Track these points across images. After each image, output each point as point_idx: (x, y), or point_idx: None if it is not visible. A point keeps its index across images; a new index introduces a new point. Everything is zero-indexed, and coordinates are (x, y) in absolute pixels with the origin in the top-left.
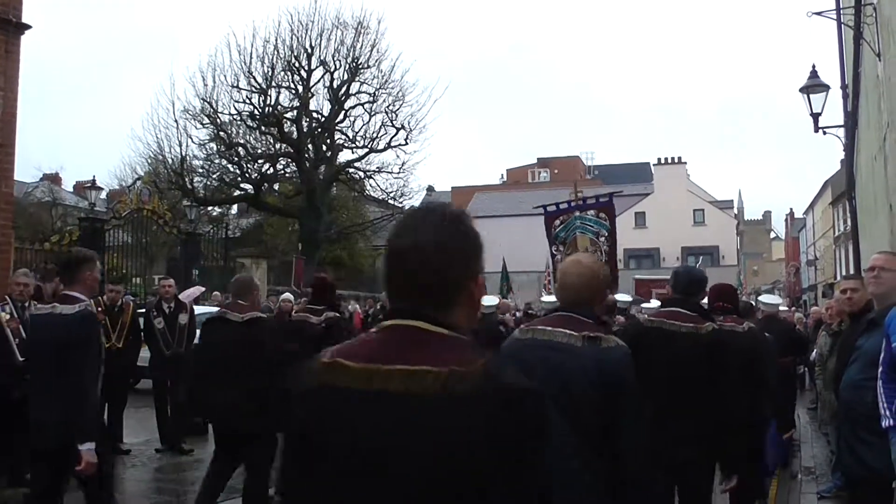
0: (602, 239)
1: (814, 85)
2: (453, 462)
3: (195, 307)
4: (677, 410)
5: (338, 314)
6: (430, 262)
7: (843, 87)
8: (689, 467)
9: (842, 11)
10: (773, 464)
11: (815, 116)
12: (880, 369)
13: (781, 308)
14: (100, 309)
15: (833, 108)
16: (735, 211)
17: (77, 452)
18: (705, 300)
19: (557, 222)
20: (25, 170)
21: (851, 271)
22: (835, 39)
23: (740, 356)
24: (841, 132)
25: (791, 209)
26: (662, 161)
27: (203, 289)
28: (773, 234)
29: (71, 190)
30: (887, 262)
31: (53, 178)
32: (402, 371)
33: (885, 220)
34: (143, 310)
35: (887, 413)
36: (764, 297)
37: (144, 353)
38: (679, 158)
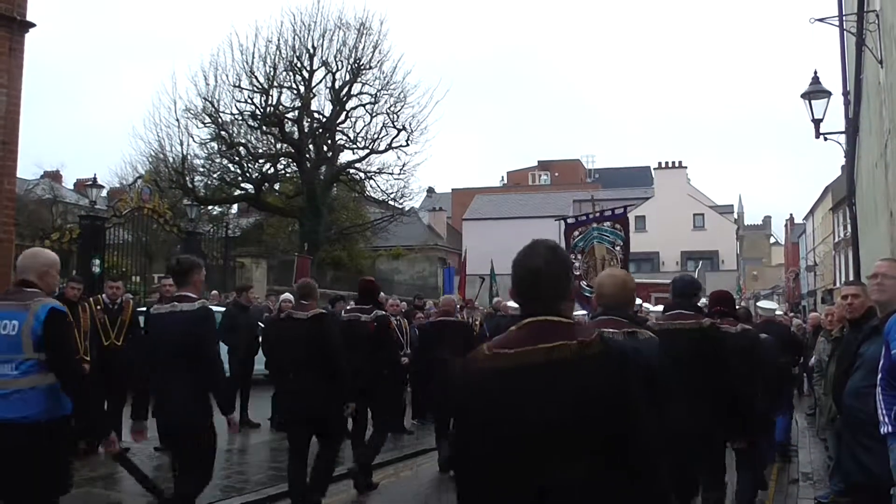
0: (617, 248)
1: (815, 91)
2: (593, 405)
3: None
4: (691, 392)
5: (385, 313)
6: (553, 276)
7: (845, 93)
8: (703, 438)
9: (844, 18)
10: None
11: (817, 122)
12: (879, 376)
13: (777, 312)
14: (99, 307)
15: (834, 115)
16: (735, 216)
17: (209, 427)
18: (702, 302)
19: (576, 233)
20: (26, 167)
21: (851, 277)
22: (837, 46)
23: (736, 350)
24: (842, 138)
25: (791, 215)
26: (663, 165)
27: None
28: (772, 240)
29: (72, 187)
30: (890, 269)
31: (54, 176)
32: (545, 347)
33: (886, 226)
34: (144, 308)
35: (886, 420)
36: (762, 303)
37: None
38: (680, 163)
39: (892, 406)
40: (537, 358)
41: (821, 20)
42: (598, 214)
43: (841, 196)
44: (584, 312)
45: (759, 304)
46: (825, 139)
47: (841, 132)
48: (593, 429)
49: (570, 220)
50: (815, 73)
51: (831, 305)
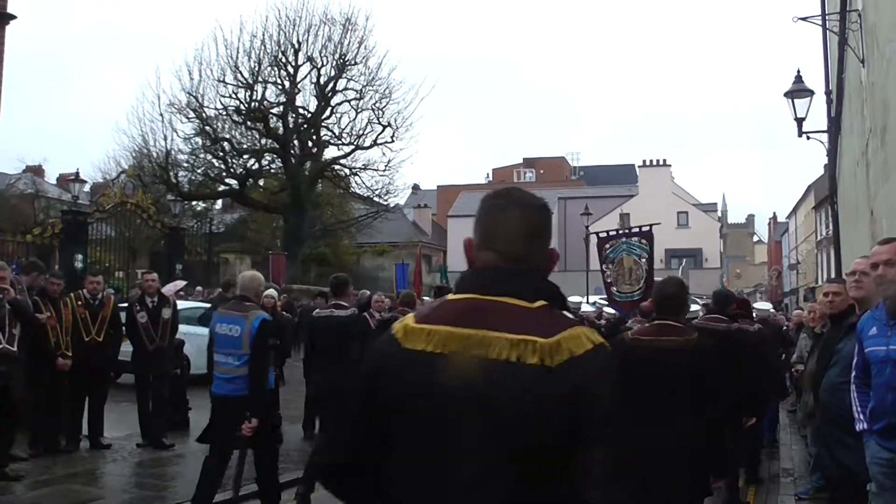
0: (643, 260)
1: (798, 90)
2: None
3: (178, 302)
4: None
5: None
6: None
7: (828, 92)
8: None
9: (827, 17)
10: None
11: (800, 121)
12: (853, 373)
13: (771, 311)
14: (80, 302)
15: (817, 113)
16: (719, 214)
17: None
18: (694, 308)
19: (608, 246)
20: (8, 161)
21: (833, 276)
22: (820, 45)
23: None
24: (824, 137)
25: (774, 213)
26: (647, 163)
27: (185, 283)
28: (756, 238)
29: (54, 182)
30: (867, 267)
31: (36, 171)
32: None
33: (866, 225)
34: (126, 304)
35: (861, 417)
36: (757, 304)
37: (126, 348)
38: (664, 161)
39: (867, 403)
40: None
41: (804, 19)
42: (627, 231)
43: (823, 195)
44: (614, 312)
45: (755, 304)
46: (808, 138)
47: (823, 131)
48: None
49: (601, 235)
50: (798, 71)
51: (814, 303)
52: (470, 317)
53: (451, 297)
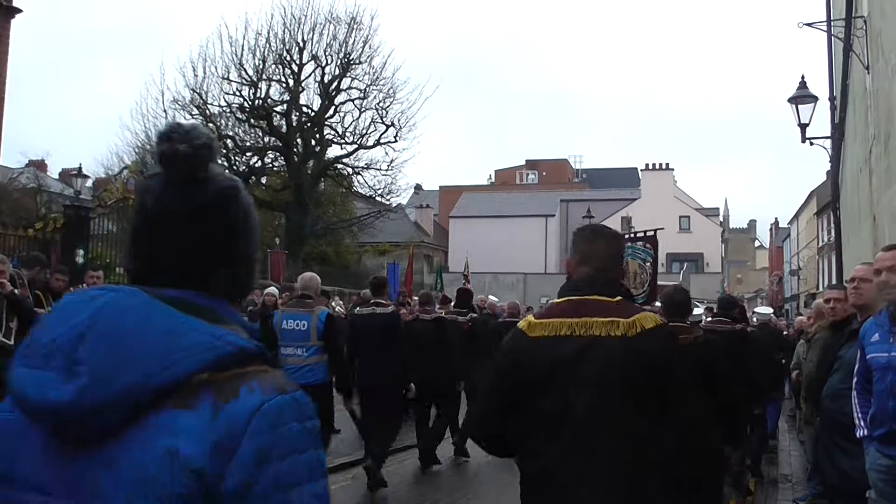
0: (647, 264)
1: (802, 95)
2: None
3: None
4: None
5: (476, 315)
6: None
7: (832, 98)
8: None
9: (832, 23)
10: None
11: (803, 127)
12: (854, 380)
13: (771, 316)
14: None
15: (821, 119)
16: (721, 218)
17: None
18: (698, 311)
19: None
20: (11, 155)
21: (834, 282)
22: (825, 51)
23: (754, 344)
24: (828, 143)
25: (776, 218)
26: (650, 166)
27: None
28: (757, 243)
29: (56, 177)
30: (867, 274)
31: (39, 165)
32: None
33: (869, 232)
34: None
35: (861, 423)
36: (758, 309)
37: None
38: (667, 165)
39: (868, 409)
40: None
41: (809, 25)
42: (632, 235)
43: (826, 201)
44: None
45: (756, 309)
46: (811, 144)
47: (827, 137)
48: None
49: None
50: (803, 77)
51: (812, 308)
52: (574, 310)
53: (556, 300)
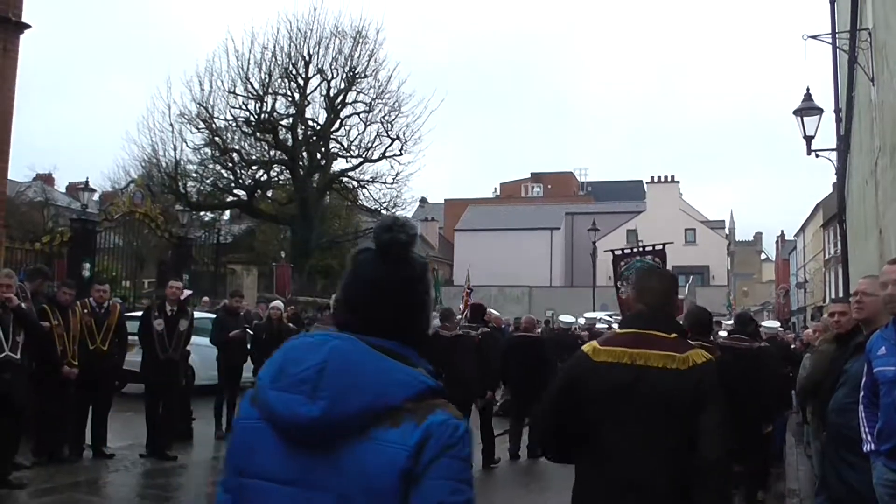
0: None
1: (808, 108)
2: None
3: (196, 313)
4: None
5: (489, 329)
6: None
7: (837, 110)
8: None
9: (837, 36)
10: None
11: (809, 139)
12: (861, 393)
13: (779, 330)
14: (86, 311)
15: (826, 132)
16: (726, 231)
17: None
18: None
19: (623, 263)
20: (18, 169)
21: (841, 295)
22: (830, 63)
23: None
24: (833, 155)
25: (782, 231)
26: (655, 179)
27: (191, 292)
28: (763, 256)
29: (63, 191)
30: (870, 287)
31: (46, 179)
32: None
33: (875, 244)
34: (140, 312)
35: (868, 437)
36: (765, 323)
37: (132, 357)
38: (672, 177)
39: (875, 424)
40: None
41: (814, 37)
42: (641, 249)
43: (832, 213)
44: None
45: (763, 323)
46: (817, 156)
47: (832, 149)
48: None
49: (617, 252)
50: (808, 89)
51: (818, 322)
52: (634, 342)
53: (619, 330)
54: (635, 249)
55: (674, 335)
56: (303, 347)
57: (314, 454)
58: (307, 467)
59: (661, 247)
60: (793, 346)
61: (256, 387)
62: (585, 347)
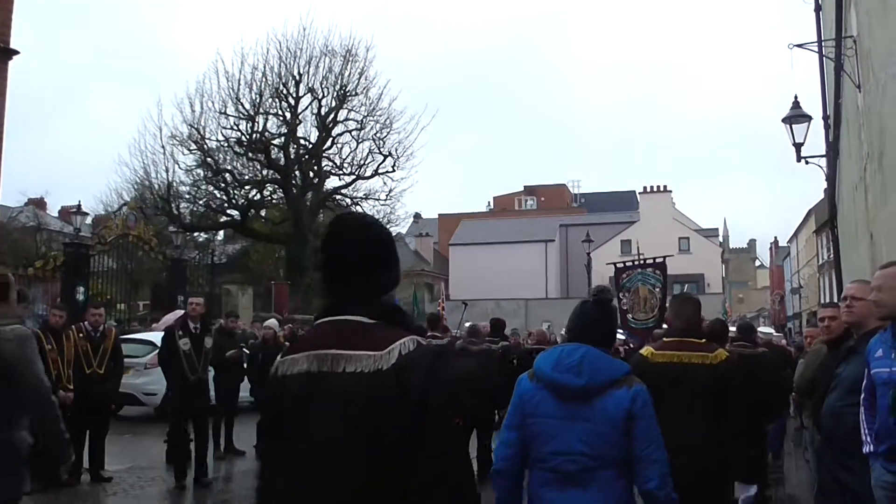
0: (657, 290)
1: (796, 115)
2: None
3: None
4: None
5: (508, 344)
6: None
7: (825, 117)
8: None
9: (823, 44)
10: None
11: (798, 146)
12: (862, 396)
13: (775, 335)
14: (81, 335)
15: (816, 138)
16: (720, 239)
17: None
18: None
19: (624, 276)
20: (10, 194)
21: (834, 299)
22: (816, 70)
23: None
24: (823, 162)
25: (776, 238)
26: (648, 189)
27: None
28: (757, 263)
29: (56, 215)
30: (858, 291)
31: (38, 203)
32: None
33: (866, 249)
34: (136, 335)
35: (868, 439)
36: (761, 328)
37: (128, 381)
38: (665, 187)
39: (874, 425)
40: None
41: (800, 46)
42: (642, 262)
43: (823, 219)
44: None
45: (760, 329)
46: (807, 163)
47: (822, 156)
48: None
49: (619, 265)
50: (796, 97)
51: (813, 327)
52: (679, 346)
53: (665, 339)
54: (637, 262)
55: (703, 340)
56: (568, 350)
57: (578, 403)
58: (574, 410)
59: (661, 260)
60: (789, 351)
61: (537, 370)
62: (643, 352)
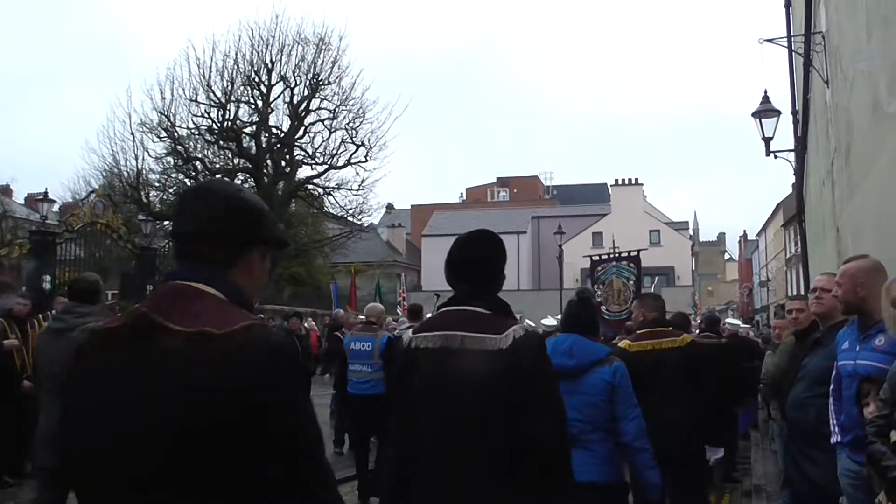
0: (630, 282)
1: (766, 110)
2: None
3: None
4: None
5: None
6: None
7: (794, 112)
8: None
9: (792, 39)
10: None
11: (767, 141)
12: (831, 387)
13: (742, 326)
14: (46, 323)
15: (785, 133)
16: (690, 232)
17: None
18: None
19: (599, 269)
20: None
21: (802, 293)
22: (786, 65)
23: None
24: (792, 156)
25: (744, 231)
26: (619, 182)
27: None
28: (727, 256)
29: (22, 202)
30: (827, 284)
31: (4, 190)
32: None
33: (832, 243)
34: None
35: (835, 430)
36: (729, 320)
37: None
38: (636, 180)
39: (841, 416)
40: None
41: (770, 41)
42: (617, 255)
43: (791, 213)
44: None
45: (727, 320)
46: (775, 157)
47: (791, 150)
48: None
49: (594, 258)
50: (766, 92)
51: (781, 319)
52: (651, 336)
53: (639, 331)
54: (611, 255)
55: (670, 328)
56: (561, 339)
57: (571, 381)
58: (570, 386)
59: (635, 253)
60: (757, 342)
61: None
62: (622, 344)
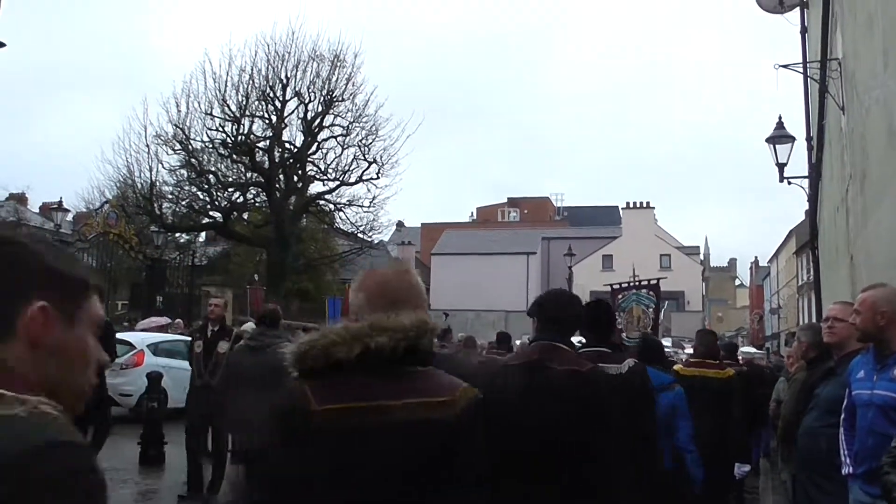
0: (650, 310)
1: (780, 136)
2: None
3: (156, 335)
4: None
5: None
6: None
7: (809, 138)
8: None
9: (808, 65)
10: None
11: (781, 167)
12: (842, 416)
13: (757, 354)
14: None
15: (799, 159)
16: (701, 257)
17: None
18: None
19: (620, 296)
20: None
21: (814, 321)
22: (801, 91)
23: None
24: (805, 183)
25: (756, 257)
26: (631, 205)
27: (169, 320)
28: (737, 282)
29: (37, 211)
30: (840, 313)
31: (19, 199)
32: None
33: (846, 271)
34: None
35: (847, 461)
36: (743, 348)
37: (111, 381)
38: (647, 203)
39: (854, 447)
40: None
41: (785, 67)
42: (637, 283)
43: (804, 240)
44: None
45: (742, 349)
46: (789, 183)
47: (804, 177)
48: None
49: (615, 286)
50: (780, 118)
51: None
52: (699, 365)
53: (692, 360)
54: (631, 283)
55: (717, 361)
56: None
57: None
58: None
59: (655, 281)
60: (768, 370)
61: None
62: (676, 367)
